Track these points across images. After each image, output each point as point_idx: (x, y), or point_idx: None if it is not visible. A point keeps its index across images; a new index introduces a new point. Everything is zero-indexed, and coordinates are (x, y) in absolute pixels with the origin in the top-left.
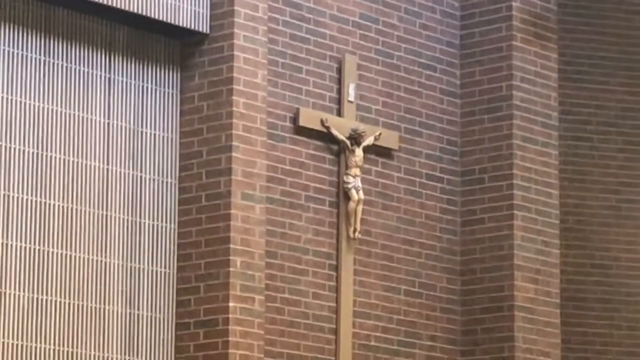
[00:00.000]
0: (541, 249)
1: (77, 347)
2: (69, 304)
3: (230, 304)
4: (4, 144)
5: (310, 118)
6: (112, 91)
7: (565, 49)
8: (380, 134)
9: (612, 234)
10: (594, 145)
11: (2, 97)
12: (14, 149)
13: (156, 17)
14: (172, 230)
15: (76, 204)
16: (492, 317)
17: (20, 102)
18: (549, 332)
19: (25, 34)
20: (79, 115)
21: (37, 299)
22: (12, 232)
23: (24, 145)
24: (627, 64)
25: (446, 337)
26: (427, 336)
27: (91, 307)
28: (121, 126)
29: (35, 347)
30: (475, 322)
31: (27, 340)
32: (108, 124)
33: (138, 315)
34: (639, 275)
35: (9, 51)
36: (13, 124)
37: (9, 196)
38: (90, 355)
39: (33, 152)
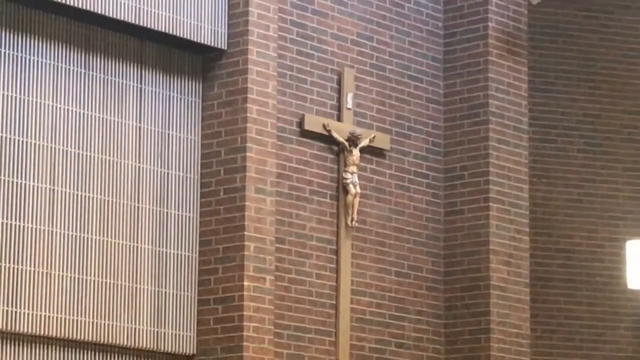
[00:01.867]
0: (513, 235)
1: (112, 320)
2: (107, 283)
3: (245, 283)
4: (50, 145)
5: (314, 123)
6: (143, 99)
7: (534, 63)
8: (374, 136)
9: (574, 223)
10: (559, 146)
11: (49, 105)
12: (59, 149)
13: (181, 35)
14: (195, 220)
15: (112, 197)
16: (471, 295)
17: (64, 109)
18: (520, 307)
19: (68, 50)
20: (114, 120)
21: (79, 278)
22: (57, 221)
23: (68, 147)
24: (588, 76)
25: (431, 312)
26: (414, 311)
27: (125, 285)
28: (151, 130)
29: (78, 320)
30: (456, 299)
31: (70, 314)
32: (139, 127)
33: (165, 293)
34: (597, 259)
35: (54, 65)
36: (58, 128)
37: (54, 190)
38: (124, 327)
39: (76, 153)
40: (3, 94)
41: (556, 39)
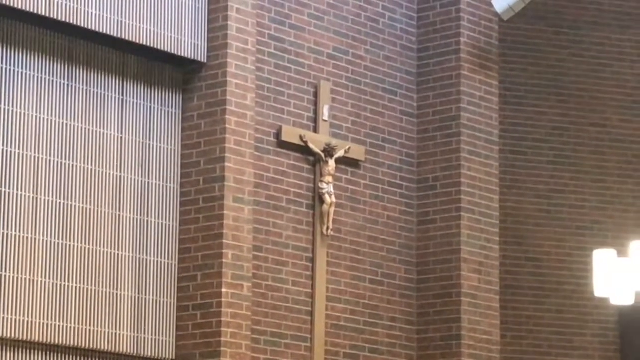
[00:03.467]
0: (484, 244)
1: (94, 326)
2: (88, 289)
3: (223, 290)
4: (33, 155)
5: (291, 134)
6: (124, 110)
7: (505, 77)
8: (349, 148)
9: (543, 233)
10: (529, 158)
11: (32, 116)
12: (42, 159)
13: (162, 48)
14: (175, 228)
15: (94, 205)
16: (443, 302)
17: (47, 119)
18: (490, 314)
19: (51, 62)
20: (96, 131)
21: (61, 285)
22: (40, 229)
23: (51, 156)
24: (557, 90)
25: (404, 318)
26: (388, 317)
27: (106, 292)
28: (132, 140)
29: (60, 326)
30: (428, 306)
31: (52, 320)
32: (121, 138)
33: (145, 299)
34: (565, 267)
35: (38, 77)
36: (41, 138)
37: (37, 199)
38: (105, 332)
39: (58, 162)
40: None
41: (526, 54)
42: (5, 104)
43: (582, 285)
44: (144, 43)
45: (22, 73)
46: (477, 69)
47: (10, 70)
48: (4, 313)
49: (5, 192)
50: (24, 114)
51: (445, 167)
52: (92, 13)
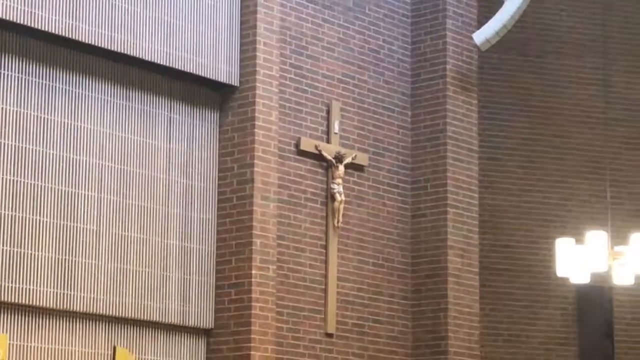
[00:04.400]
0: (466, 234)
1: (148, 300)
2: (143, 271)
3: (253, 272)
4: (99, 162)
5: (307, 144)
6: (171, 125)
7: (483, 97)
8: (355, 155)
9: (515, 224)
10: (502, 163)
11: (99, 130)
12: (107, 166)
13: (202, 74)
14: (213, 221)
15: (149, 203)
16: (432, 281)
17: (109, 133)
18: (471, 291)
19: (110, 86)
20: (149, 142)
21: (122, 268)
22: (104, 223)
23: (113, 163)
24: (526, 108)
25: (401, 294)
26: (387, 294)
27: (157, 273)
28: (178, 149)
29: (120, 301)
30: (420, 285)
31: (114, 296)
32: (169, 148)
33: (189, 279)
34: (533, 253)
35: (102, 98)
36: (106, 149)
37: (101, 198)
38: (156, 306)
39: (119, 168)
40: (64, 122)
41: (500, 78)
42: (78, 121)
43: (547, 267)
44: (188, 70)
45: (88, 95)
46: (459, 90)
47: (81, 93)
48: (77, 291)
49: (76, 192)
50: (91, 129)
51: (434, 171)
52: (144, 46)
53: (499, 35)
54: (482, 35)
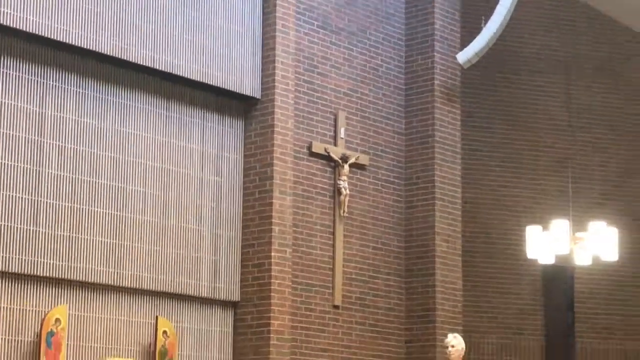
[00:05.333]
0: (450, 222)
1: (184, 277)
2: (181, 253)
3: (272, 254)
4: (149, 163)
5: (318, 147)
6: (204, 131)
7: (465, 107)
8: (358, 156)
9: (492, 214)
10: (483, 163)
11: (146, 137)
12: (155, 166)
13: (230, 89)
14: (239, 212)
15: (184, 197)
16: (422, 262)
17: (154, 138)
18: (455, 270)
19: (157, 99)
20: (186, 146)
21: (162, 250)
22: (148, 213)
23: (155, 162)
24: (502, 116)
25: (396, 273)
26: (384, 272)
27: (193, 255)
28: (209, 152)
29: (161, 278)
30: (413, 264)
31: (156, 274)
32: (202, 150)
33: (219, 260)
34: (507, 238)
35: (149, 109)
36: (152, 152)
37: (146, 192)
38: (191, 282)
39: (160, 167)
40: (115, 128)
41: (480, 92)
42: (126, 127)
43: (518, 250)
44: (218, 85)
45: (136, 106)
46: (445, 102)
47: (130, 105)
48: (126, 270)
49: (125, 187)
50: (138, 134)
51: (424, 169)
52: (183, 65)
53: (478, 55)
54: (465, 55)
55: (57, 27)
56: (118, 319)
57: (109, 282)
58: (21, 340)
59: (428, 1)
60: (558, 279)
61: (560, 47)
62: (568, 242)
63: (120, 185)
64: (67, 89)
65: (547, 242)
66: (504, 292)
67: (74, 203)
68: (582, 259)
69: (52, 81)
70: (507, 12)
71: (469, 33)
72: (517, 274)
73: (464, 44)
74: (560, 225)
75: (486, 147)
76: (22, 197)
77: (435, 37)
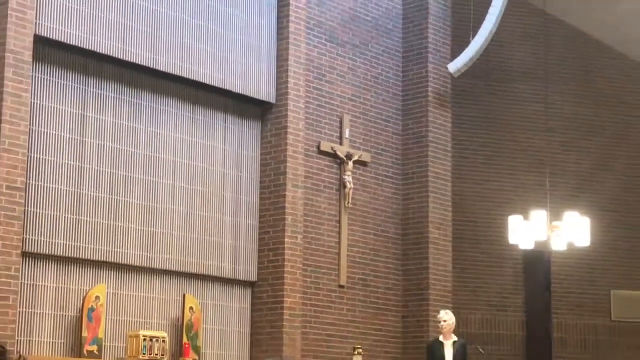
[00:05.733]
0: (441, 211)
1: (207, 260)
2: (205, 239)
3: (285, 239)
4: (180, 160)
5: (326, 146)
6: (226, 132)
7: (454, 111)
8: (361, 154)
9: (478, 205)
10: (470, 160)
11: (177, 137)
12: (183, 162)
13: (248, 94)
14: (256, 202)
15: (208, 188)
16: (417, 247)
17: (185, 139)
18: (446, 253)
19: (184, 104)
20: (210, 144)
21: (189, 236)
22: (177, 203)
23: (187, 160)
24: (487, 119)
25: (394, 256)
26: (384, 256)
27: (216, 240)
28: (230, 150)
29: (189, 261)
30: (409, 249)
31: (184, 257)
32: (224, 149)
33: (239, 244)
34: (492, 226)
35: (177, 113)
36: (182, 151)
37: (174, 185)
38: (214, 264)
39: (188, 163)
40: (148, 129)
41: (468, 97)
42: (157, 128)
43: (501, 237)
44: (238, 92)
45: (165, 110)
46: (437, 106)
47: (161, 109)
48: (156, 253)
49: (156, 181)
50: (167, 134)
51: (419, 166)
52: (207, 74)
53: (466, 65)
54: (455, 65)
55: (98, 41)
56: (150, 297)
57: (142, 264)
58: (66, 315)
59: (422, 18)
60: (537, 263)
61: (538, 58)
62: (545, 229)
63: (152, 179)
64: (106, 94)
65: (527, 229)
66: (489, 274)
67: (111, 195)
68: (558, 245)
69: (93, 88)
70: (493, 28)
71: (459, 46)
72: (501, 257)
73: (454, 55)
74: (538, 215)
75: (473, 146)
76: (66, 190)
77: (429, 50)
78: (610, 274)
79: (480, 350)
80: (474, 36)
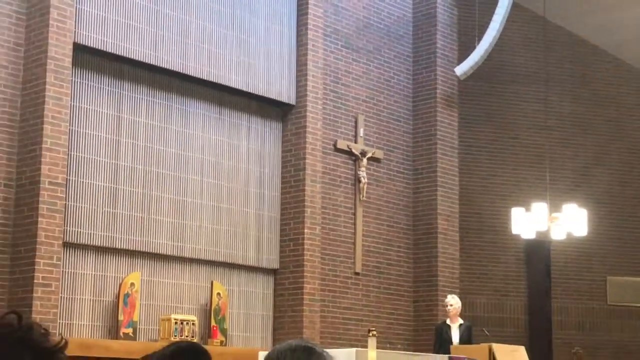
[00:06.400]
0: (450, 205)
1: (234, 250)
2: (232, 230)
3: (305, 230)
4: (208, 158)
5: (342, 144)
6: (250, 132)
7: (461, 111)
8: (375, 152)
9: (483, 198)
10: (475, 156)
11: (204, 137)
12: (211, 160)
13: (270, 97)
14: (278, 196)
15: (234, 184)
16: (427, 237)
17: (209, 137)
18: (453, 243)
19: (212, 105)
20: (235, 144)
21: (217, 228)
22: (205, 197)
23: (215, 158)
24: (491, 118)
25: (405, 246)
26: (396, 246)
27: (241, 232)
28: (254, 149)
29: (215, 250)
30: (419, 239)
31: (211, 247)
32: (248, 147)
33: (262, 235)
34: (495, 217)
35: (205, 114)
36: (209, 149)
37: (204, 181)
38: (239, 254)
39: (215, 161)
40: (178, 130)
41: (473, 98)
42: (187, 129)
43: (505, 227)
44: (261, 94)
45: (195, 112)
46: (445, 106)
47: (190, 111)
48: (187, 243)
49: (186, 177)
50: (196, 134)
51: (428, 162)
52: (233, 78)
53: (472, 69)
54: (461, 69)
55: (132, 49)
56: (180, 283)
57: (173, 253)
58: (104, 300)
59: (431, 25)
60: (538, 251)
61: (539, 62)
62: (546, 220)
63: (182, 175)
64: (139, 97)
65: (528, 220)
66: (493, 261)
67: (145, 189)
68: (557, 235)
69: (128, 92)
70: (496, 34)
71: (465, 51)
72: (504, 246)
73: (461, 59)
74: (539, 207)
75: (478, 143)
76: (103, 185)
77: (437, 54)
78: (606, 261)
79: (486, 332)
80: (479, 41)
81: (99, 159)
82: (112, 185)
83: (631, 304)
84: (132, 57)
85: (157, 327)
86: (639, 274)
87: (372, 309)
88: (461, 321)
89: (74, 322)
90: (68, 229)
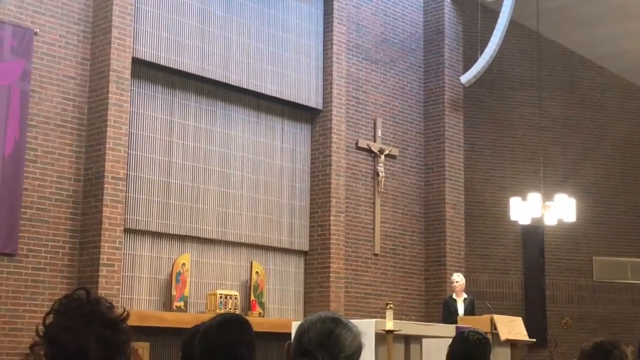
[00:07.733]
0: (456, 195)
1: (270, 234)
2: (268, 217)
3: (331, 217)
4: (243, 155)
5: (363, 143)
6: (284, 133)
7: (466, 114)
8: (391, 149)
9: (485, 189)
10: (479, 155)
11: (245, 138)
12: (249, 158)
13: (301, 102)
14: (307, 189)
15: (269, 178)
16: (436, 223)
17: (250, 138)
18: (459, 228)
19: (249, 110)
20: (270, 143)
21: (255, 216)
22: (246, 188)
23: (253, 155)
24: (492, 120)
25: (418, 231)
26: (409, 231)
27: (276, 219)
28: (287, 147)
29: (254, 235)
30: (430, 226)
31: (251, 232)
32: (282, 146)
33: (294, 222)
34: (496, 206)
35: (244, 118)
36: (248, 150)
37: (242, 175)
38: (274, 237)
39: (252, 158)
40: (221, 131)
41: (477, 103)
42: (229, 130)
43: (504, 215)
44: (293, 100)
45: (235, 116)
46: (452, 110)
47: (231, 115)
48: (230, 228)
49: (228, 172)
50: (237, 135)
51: (437, 158)
52: (268, 87)
53: (475, 77)
54: (466, 77)
55: (183, 62)
56: (224, 264)
57: (218, 237)
58: (159, 278)
59: (440, 40)
60: (533, 235)
61: (533, 71)
62: (540, 208)
63: (226, 170)
64: (189, 104)
65: (524, 209)
66: (494, 244)
67: (193, 183)
68: (550, 221)
69: (178, 99)
70: (496, 47)
71: (469, 62)
72: (503, 231)
73: (466, 69)
74: (534, 197)
75: (481, 142)
76: (157, 179)
77: (445, 65)
78: (592, 243)
79: (488, 305)
80: (481, 53)
81: (154, 156)
82: (166, 179)
83: (614, 280)
84: (182, 69)
85: (205, 301)
86: (621, 254)
87: (389, 285)
88: (465, 296)
89: (134, 296)
90: (128, 217)
